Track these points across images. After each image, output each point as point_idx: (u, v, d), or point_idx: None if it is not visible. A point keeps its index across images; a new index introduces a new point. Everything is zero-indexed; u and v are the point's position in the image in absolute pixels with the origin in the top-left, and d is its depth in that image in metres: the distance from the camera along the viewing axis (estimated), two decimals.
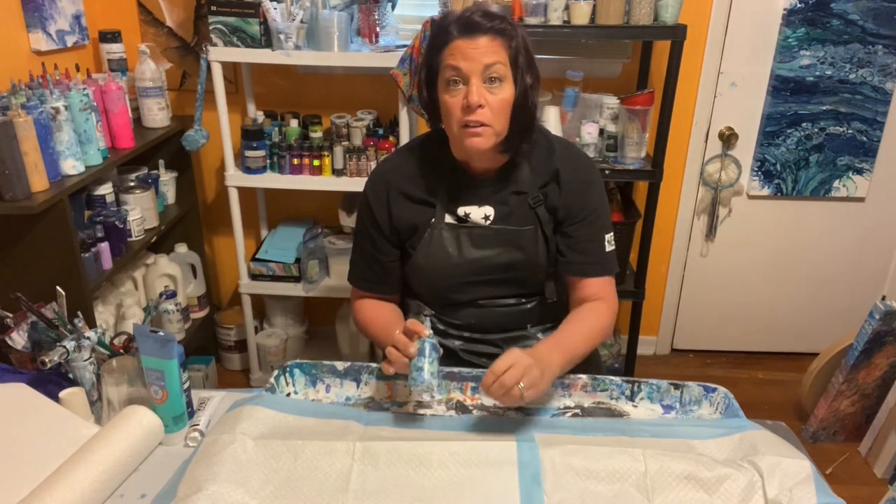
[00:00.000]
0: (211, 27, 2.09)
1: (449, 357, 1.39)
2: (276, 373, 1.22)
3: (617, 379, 1.23)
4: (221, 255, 2.76)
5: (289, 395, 1.23)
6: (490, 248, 1.31)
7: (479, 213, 1.31)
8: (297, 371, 1.25)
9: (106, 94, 1.97)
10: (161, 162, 2.35)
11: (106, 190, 2.01)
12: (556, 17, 2.00)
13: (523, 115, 1.22)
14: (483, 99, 1.17)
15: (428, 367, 1.09)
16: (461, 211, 1.31)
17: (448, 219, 1.31)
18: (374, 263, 1.37)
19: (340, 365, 1.24)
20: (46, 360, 1.08)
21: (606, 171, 2.13)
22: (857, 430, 2.29)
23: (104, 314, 2.08)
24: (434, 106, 1.26)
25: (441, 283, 1.33)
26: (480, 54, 1.16)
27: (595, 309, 1.31)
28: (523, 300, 1.37)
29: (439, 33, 1.20)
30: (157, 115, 2.22)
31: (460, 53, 1.16)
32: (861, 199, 2.57)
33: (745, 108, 2.46)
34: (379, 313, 1.38)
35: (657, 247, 2.50)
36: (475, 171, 1.31)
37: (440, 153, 1.32)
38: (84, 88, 1.83)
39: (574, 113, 2.16)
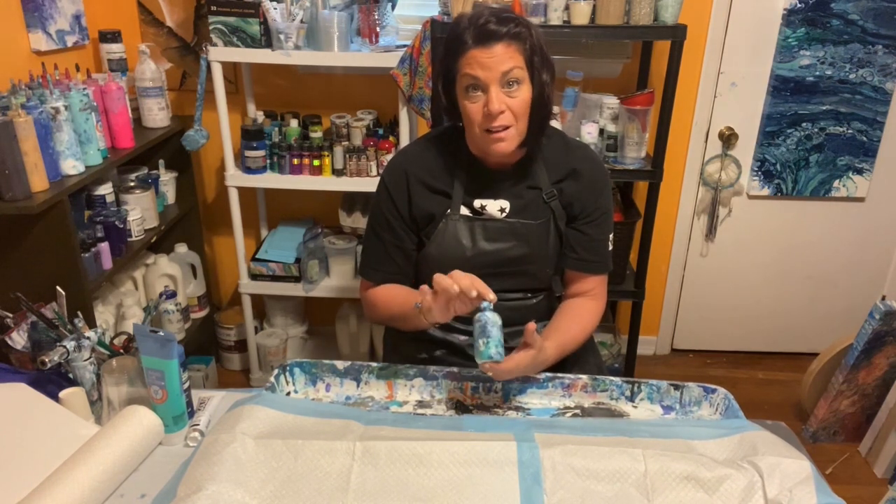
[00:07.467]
0: (211, 27, 2.09)
1: (454, 353, 1.40)
2: (276, 371, 1.22)
3: (617, 379, 1.23)
4: (221, 255, 2.76)
5: (289, 394, 1.23)
6: (503, 242, 1.33)
7: (496, 206, 1.33)
8: (297, 370, 1.25)
9: (106, 94, 1.97)
10: (161, 162, 2.35)
11: (106, 190, 2.01)
12: (556, 17, 2.00)
13: (541, 110, 1.25)
14: (503, 104, 1.20)
15: (493, 344, 1.11)
16: (477, 203, 1.33)
17: (464, 210, 1.33)
18: (395, 253, 1.38)
19: (340, 364, 1.24)
20: (46, 360, 1.08)
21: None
22: (857, 430, 2.29)
23: (104, 314, 2.08)
24: (453, 108, 1.29)
25: None
26: (497, 62, 1.18)
27: (593, 310, 1.39)
28: (530, 295, 1.40)
29: (454, 41, 1.22)
30: (157, 115, 2.22)
31: (477, 63, 1.18)
32: (861, 199, 2.57)
33: (745, 108, 2.46)
34: (400, 290, 1.37)
35: (657, 247, 2.50)
36: (491, 165, 1.33)
37: (457, 146, 1.34)
38: (84, 88, 1.83)
39: (574, 113, 2.16)
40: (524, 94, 1.21)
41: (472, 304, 1.14)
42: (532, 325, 1.15)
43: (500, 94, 1.19)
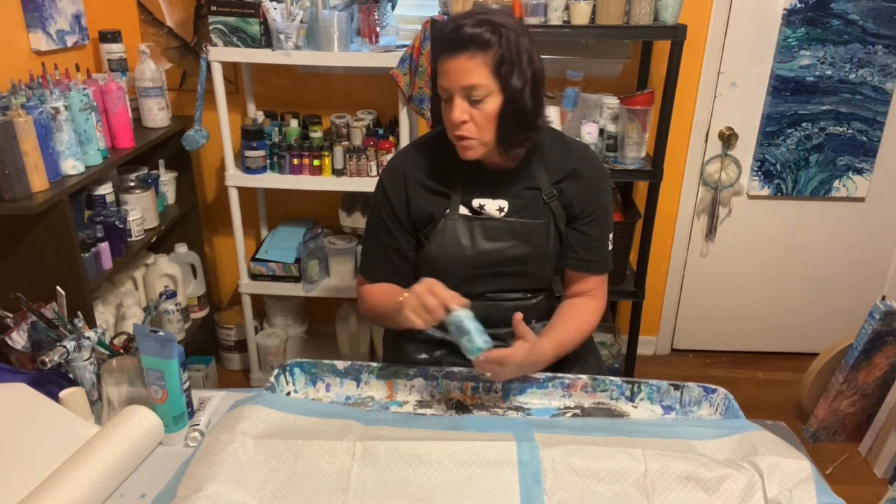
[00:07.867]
0: (211, 27, 2.09)
1: (454, 353, 1.40)
2: (276, 371, 1.22)
3: (617, 379, 1.23)
4: (221, 255, 2.76)
5: (289, 393, 1.23)
6: (503, 241, 1.33)
7: (494, 206, 1.33)
8: (297, 370, 1.25)
9: (106, 94, 1.97)
10: (161, 162, 2.35)
11: (106, 190, 2.01)
12: (556, 17, 2.00)
13: (515, 118, 1.22)
14: (466, 114, 1.20)
15: (476, 335, 1.12)
16: (476, 203, 1.33)
17: (463, 210, 1.33)
18: (392, 254, 1.38)
19: (340, 364, 1.25)
20: (46, 360, 1.08)
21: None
22: (857, 430, 2.29)
23: (104, 314, 2.08)
24: None
25: (452, 274, 1.34)
26: (459, 74, 1.18)
27: (593, 310, 1.39)
28: (529, 295, 1.40)
29: (435, 45, 1.23)
30: (157, 115, 2.22)
31: (444, 72, 1.20)
32: (861, 199, 2.57)
33: (745, 108, 2.46)
34: (389, 289, 1.37)
35: (657, 247, 2.50)
36: (490, 165, 1.33)
37: (455, 147, 1.33)
38: (84, 88, 1.83)
39: (574, 113, 2.16)
40: (489, 106, 1.19)
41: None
42: (518, 315, 1.16)
43: (462, 104, 1.20)
